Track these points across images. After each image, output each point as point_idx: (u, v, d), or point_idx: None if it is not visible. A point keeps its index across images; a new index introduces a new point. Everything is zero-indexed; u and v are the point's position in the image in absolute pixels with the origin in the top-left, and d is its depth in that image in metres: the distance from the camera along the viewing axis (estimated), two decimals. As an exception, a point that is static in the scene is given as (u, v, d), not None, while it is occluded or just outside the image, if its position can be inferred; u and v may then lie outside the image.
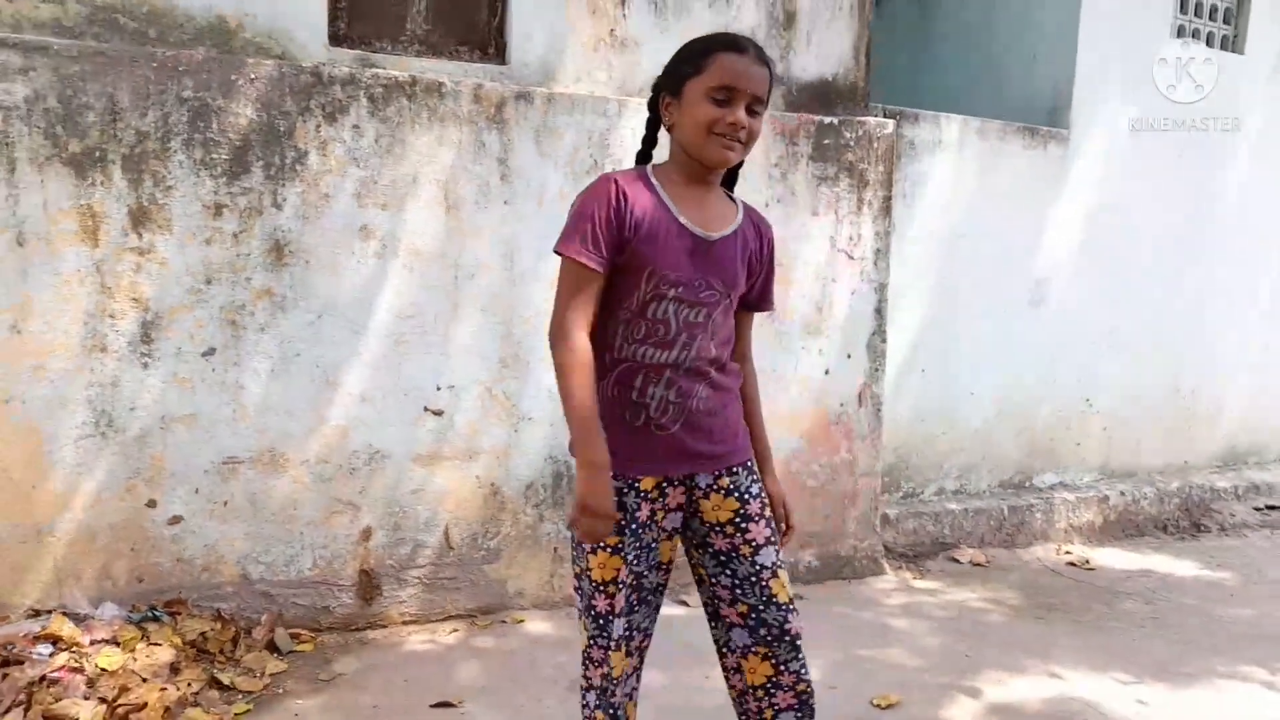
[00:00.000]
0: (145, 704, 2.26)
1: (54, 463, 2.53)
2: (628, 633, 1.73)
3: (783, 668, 1.74)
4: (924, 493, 4.04)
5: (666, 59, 1.69)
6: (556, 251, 1.61)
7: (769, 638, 1.73)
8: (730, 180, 1.79)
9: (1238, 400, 4.92)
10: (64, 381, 2.52)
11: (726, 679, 1.83)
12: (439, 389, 2.91)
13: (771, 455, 1.83)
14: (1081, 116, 4.22)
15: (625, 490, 1.65)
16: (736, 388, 1.76)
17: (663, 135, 1.73)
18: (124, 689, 2.30)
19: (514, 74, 3.03)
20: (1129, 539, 4.23)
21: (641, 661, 1.80)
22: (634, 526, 1.66)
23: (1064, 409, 4.35)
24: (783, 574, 1.74)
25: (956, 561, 3.77)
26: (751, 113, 1.61)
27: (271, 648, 2.65)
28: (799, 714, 1.76)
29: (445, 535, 2.96)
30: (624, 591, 1.68)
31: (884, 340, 3.54)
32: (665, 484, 1.69)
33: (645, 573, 1.72)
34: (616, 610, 1.68)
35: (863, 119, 3.43)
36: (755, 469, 1.76)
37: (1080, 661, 2.85)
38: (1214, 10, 4.65)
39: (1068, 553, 3.98)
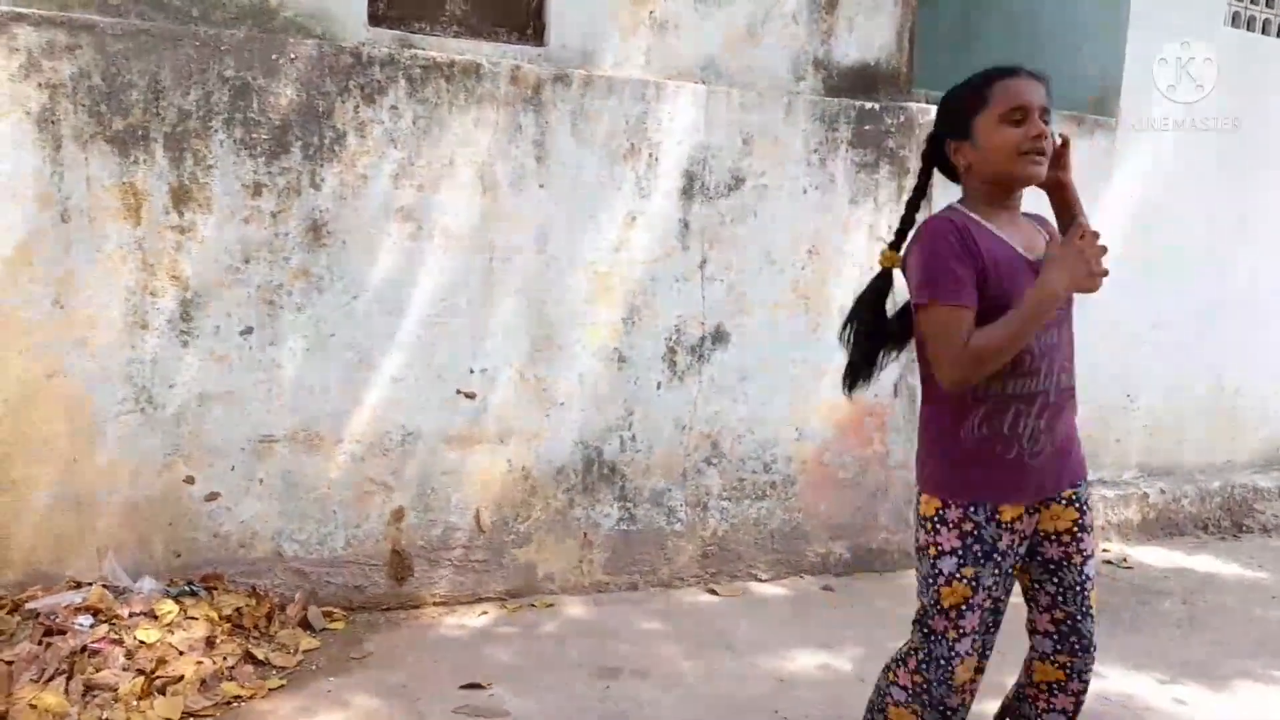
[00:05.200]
0: (182, 676, 2.30)
1: (95, 437, 2.57)
2: (976, 650, 1.76)
3: (1075, 676, 1.81)
4: (958, 486, 3.99)
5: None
6: (924, 303, 1.63)
7: (1077, 648, 1.79)
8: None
9: (1283, 399, 4.80)
10: (106, 357, 2.55)
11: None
12: (472, 372, 2.91)
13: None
14: (1129, 106, 4.12)
15: (985, 523, 1.68)
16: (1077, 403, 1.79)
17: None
18: (161, 661, 2.34)
19: (552, 56, 3.01)
20: (1168, 538, 4.15)
21: (981, 675, 1.82)
22: (995, 556, 1.70)
23: (1104, 405, 4.26)
24: (1094, 590, 1.80)
25: (990, 556, 3.72)
26: (1044, 122, 1.64)
27: (305, 625, 2.69)
28: (1070, 715, 1.85)
29: (476, 518, 2.97)
30: (976, 613, 1.72)
31: (921, 331, 3.49)
32: (1025, 512, 1.72)
33: (1001, 597, 1.75)
34: (965, 630, 1.72)
35: (904, 105, 3.37)
36: (1088, 484, 1.80)
37: (1117, 659, 2.80)
38: (1270, -4, 4.51)
39: (1105, 550, 3.91)
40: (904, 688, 1.78)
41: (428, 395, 2.87)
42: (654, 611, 3.01)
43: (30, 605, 2.43)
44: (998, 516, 1.68)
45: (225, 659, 2.42)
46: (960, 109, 1.69)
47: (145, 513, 2.63)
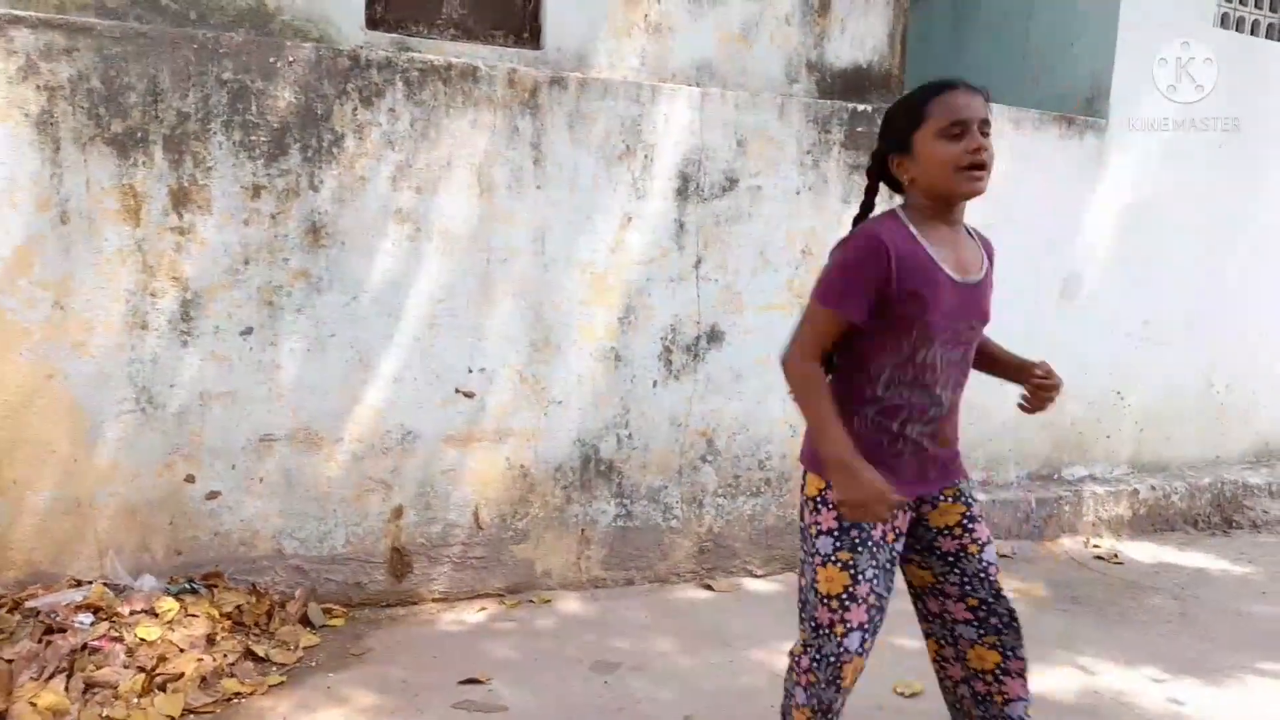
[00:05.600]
0: (182, 673, 2.32)
1: (96, 437, 2.58)
2: (865, 650, 1.76)
3: (1010, 653, 1.85)
4: (951, 483, 4.01)
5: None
6: (815, 293, 1.69)
7: (999, 627, 1.84)
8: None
9: (1273, 396, 4.84)
10: (106, 358, 2.57)
11: (941, 668, 1.94)
12: (470, 371, 2.94)
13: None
14: (1119, 106, 4.16)
15: None
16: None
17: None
18: (162, 659, 2.36)
19: (548, 59, 3.04)
20: (1158, 534, 4.19)
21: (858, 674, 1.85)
22: (870, 545, 1.73)
23: (1095, 402, 4.30)
24: (999, 573, 1.85)
25: (982, 552, 3.75)
26: (983, 134, 1.66)
27: (305, 621, 2.71)
28: (1026, 704, 1.87)
29: (475, 515, 2.99)
30: (862, 607, 1.73)
31: (914, 329, 3.52)
32: (901, 508, 1.76)
33: (884, 593, 1.78)
34: (852, 625, 1.73)
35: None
36: (969, 481, 1.86)
37: (1107, 655, 2.84)
38: (1259, -3, 4.55)
39: (1096, 546, 3.95)
40: (804, 688, 1.79)
41: (427, 395, 2.89)
42: (650, 607, 3.04)
43: (31, 604, 2.45)
44: None
45: (226, 656, 2.44)
46: (900, 124, 1.72)
47: (146, 512, 2.65)
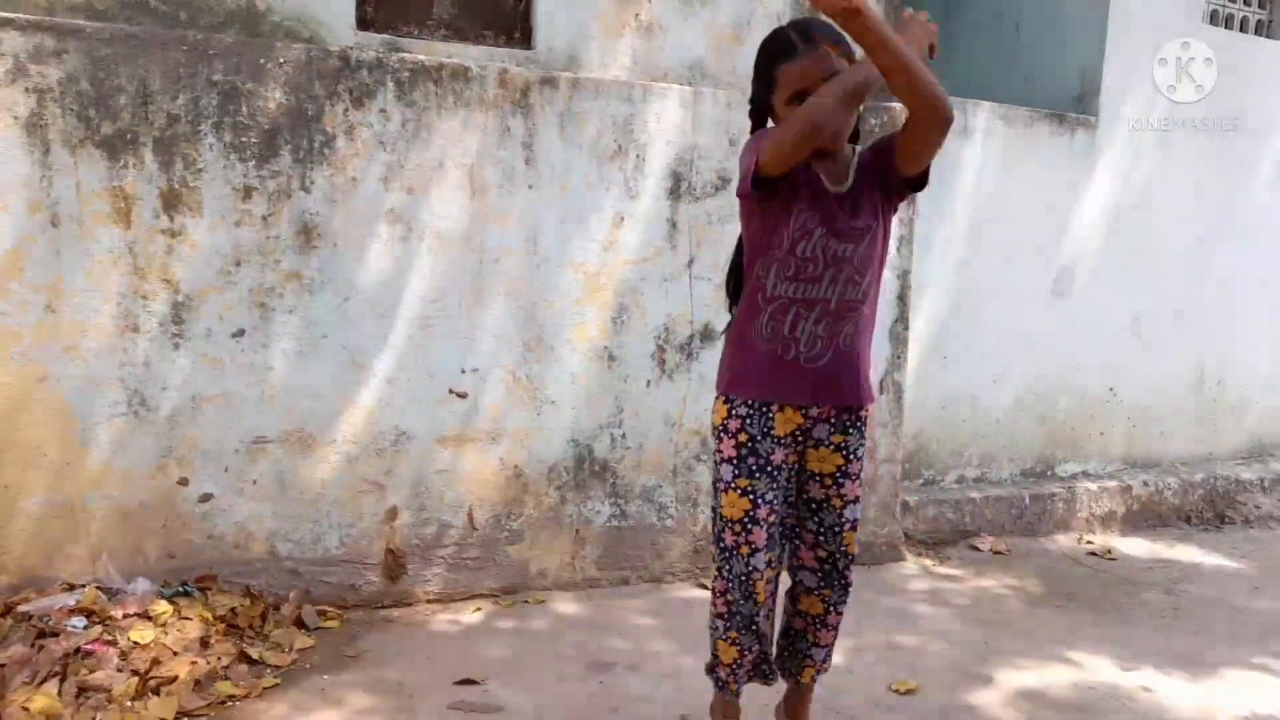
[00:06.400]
0: (176, 676, 2.32)
1: (87, 440, 2.58)
2: (771, 569, 1.90)
3: (832, 609, 1.99)
4: (945, 480, 4.03)
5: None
6: (757, 149, 1.72)
7: (836, 584, 1.97)
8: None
9: (1264, 392, 4.86)
10: (97, 361, 2.56)
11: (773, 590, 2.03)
12: (463, 371, 2.94)
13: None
14: (1110, 103, 4.18)
15: (761, 438, 1.84)
16: (872, 328, 1.92)
17: None
18: (156, 662, 2.35)
19: (539, 59, 3.04)
20: (1152, 529, 4.20)
21: (775, 598, 1.99)
22: (770, 470, 1.85)
23: (1087, 398, 4.32)
24: (853, 531, 1.95)
25: (977, 549, 3.77)
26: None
27: (299, 624, 2.70)
28: (828, 651, 2.06)
29: (469, 516, 2.99)
30: (763, 529, 1.85)
31: (906, 327, 3.53)
32: (799, 428, 1.86)
33: (784, 515, 1.91)
34: (756, 545, 1.86)
35: (888, 104, 3.41)
36: (865, 427, 1.92)
37: (1100, 650, 2.85)
38: (1247, -7, 4.57)
39: (1089, 542, 3.97)
40: (721, 615, 1.91)
41: (420, 395, 2.89)
42: (645, 606, 3.04)
43: (23, 608, 2.44)
44: (773, 431, 1.84)
45: (220, 659, 2.43)
46: (759, 91, 1.82)
47: (139, 515, 2.65)
